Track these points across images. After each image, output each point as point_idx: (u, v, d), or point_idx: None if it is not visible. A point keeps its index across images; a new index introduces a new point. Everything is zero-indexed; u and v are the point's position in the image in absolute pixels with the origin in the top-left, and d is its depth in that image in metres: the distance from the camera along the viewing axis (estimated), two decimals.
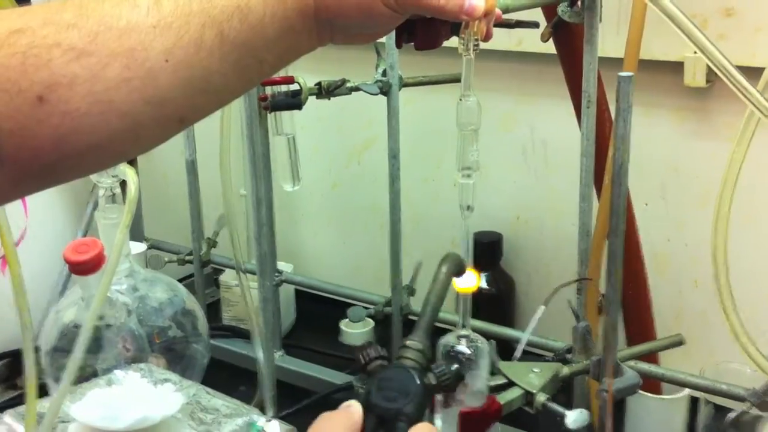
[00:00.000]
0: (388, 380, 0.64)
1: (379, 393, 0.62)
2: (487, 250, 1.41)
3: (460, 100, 0.72)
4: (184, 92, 0.55)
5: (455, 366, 0.69)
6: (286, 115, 1.30)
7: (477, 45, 0.68)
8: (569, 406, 0.81)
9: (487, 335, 0.82)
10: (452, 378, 0.68)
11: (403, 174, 1.26)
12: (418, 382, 0.64)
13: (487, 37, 0.68)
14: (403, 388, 0.63)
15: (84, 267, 0.90)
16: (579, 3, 1.04)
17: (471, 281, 0.77)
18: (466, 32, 0.68)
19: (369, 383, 0.64)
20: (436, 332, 0.84)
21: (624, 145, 0.91)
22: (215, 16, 0.56)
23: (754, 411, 0.99)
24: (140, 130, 0.55)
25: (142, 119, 0.55)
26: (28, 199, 1.32)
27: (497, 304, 1.45)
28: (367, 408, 0.62)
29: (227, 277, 1.60)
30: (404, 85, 1.24)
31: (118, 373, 1.06)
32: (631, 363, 1.10)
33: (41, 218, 1.52)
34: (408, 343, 0.67)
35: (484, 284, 1.45)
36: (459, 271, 0.75)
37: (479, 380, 0.79)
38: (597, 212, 1.11)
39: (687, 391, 1.18)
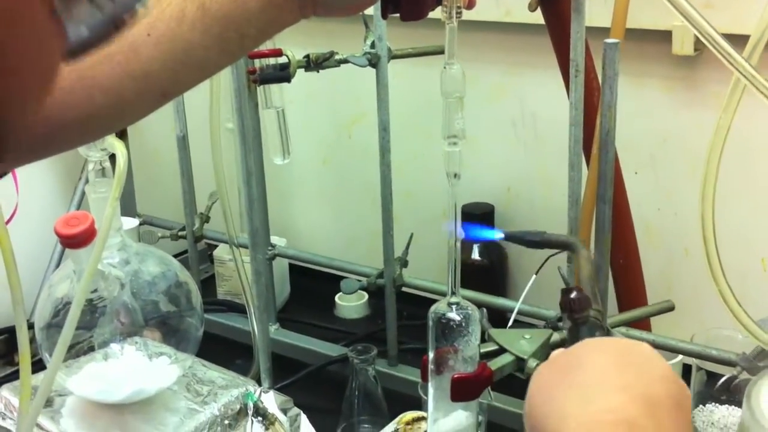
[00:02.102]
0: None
1: None
2: (479, 222, 1.41)
3: (444, 68, 0.72)
4: (165, 66, 0.56)
5: None
6: (275, 88, 1.30)
7: (459, 12, 0.68)
8: None
9: (480, 305, 0.82)
10: None
11: (393, 147, 1.26)
12: None
13: (470, 5, 0.68)
14: None
15: (75, 240, 0.91)
16: None
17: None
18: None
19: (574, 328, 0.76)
20: (429, 303, 0.85)
21: (610, 112, 0.91)
22: None
23: (745, 375, 1.00)
24: (124, 105, 0.56)
25: (125, 94, 0.55)
26: (19, 175, 1.32)
27: (489, 275, 1.46)
28: None
29: (221, 251, 1.60)
30: (393, 56, 1.24)
31: (114, 347, 1.07)
32: (623, 329, 1.11)
33: (32, 194, 1.52)
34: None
35: (476, 255, 1.45)
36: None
37: (470, 347, 0.80)
38: (586, 181, 1.11)
39: (680, 357, 1.19)
